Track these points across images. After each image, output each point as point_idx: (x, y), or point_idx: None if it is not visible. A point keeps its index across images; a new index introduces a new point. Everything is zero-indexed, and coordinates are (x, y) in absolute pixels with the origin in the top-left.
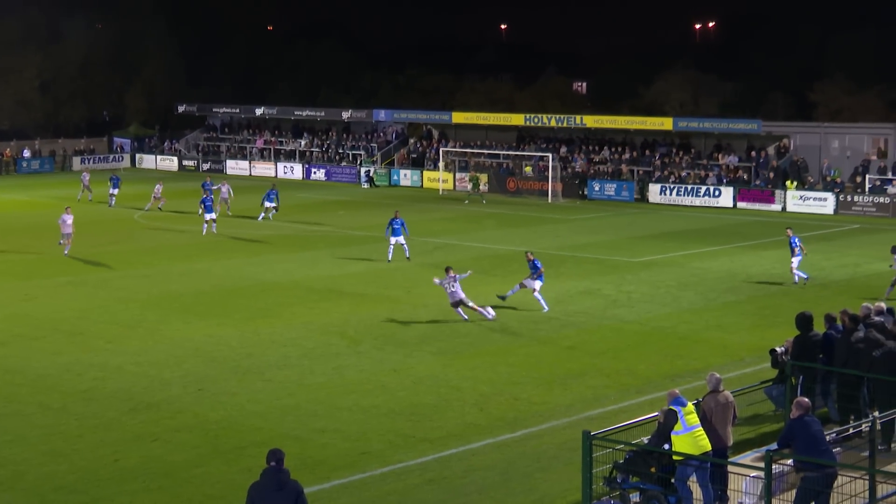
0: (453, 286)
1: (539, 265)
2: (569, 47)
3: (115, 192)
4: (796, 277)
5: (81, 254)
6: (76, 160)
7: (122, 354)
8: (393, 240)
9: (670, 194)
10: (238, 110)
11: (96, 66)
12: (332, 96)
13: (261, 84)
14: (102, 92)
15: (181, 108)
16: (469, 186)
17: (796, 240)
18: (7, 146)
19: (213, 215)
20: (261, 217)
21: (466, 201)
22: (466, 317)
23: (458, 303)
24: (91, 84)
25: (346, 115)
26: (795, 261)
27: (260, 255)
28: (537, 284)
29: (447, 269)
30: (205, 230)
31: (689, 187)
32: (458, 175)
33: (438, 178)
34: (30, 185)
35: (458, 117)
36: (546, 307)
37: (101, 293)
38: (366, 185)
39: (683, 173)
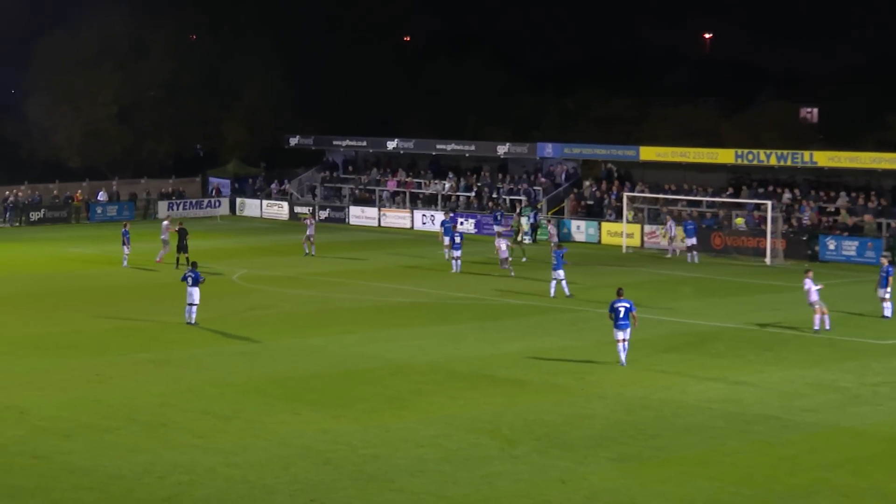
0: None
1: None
2: (794, 63)
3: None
4: None
5: (162, 322)
6: (162, 205)
7: (215, 453)
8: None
9: None
10: (364, 143)
11: (188, 89)
12: (484, 127)
13: (394, 111)
14: (195, 121)
15: (293, 142)
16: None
17: None
18: (77, 188)
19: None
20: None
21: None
22: None
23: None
24: (181, 111)
25: (502, 149)
26: None
27: (388, 329)
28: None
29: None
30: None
31: None
32: (646, 228)
33: (622, 233)
34: (104, 235)
35: (648, 153)
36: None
37: (189, 374)
38: (527, 240)
39: None
